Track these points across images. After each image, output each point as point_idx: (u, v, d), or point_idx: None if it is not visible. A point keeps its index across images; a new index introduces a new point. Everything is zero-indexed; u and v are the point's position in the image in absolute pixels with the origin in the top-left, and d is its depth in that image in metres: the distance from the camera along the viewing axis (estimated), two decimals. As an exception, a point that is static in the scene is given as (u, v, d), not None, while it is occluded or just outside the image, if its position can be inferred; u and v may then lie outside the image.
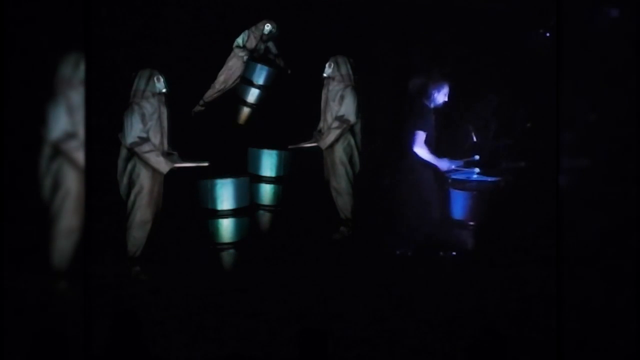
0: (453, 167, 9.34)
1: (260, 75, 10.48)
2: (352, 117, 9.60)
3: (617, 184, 6.69)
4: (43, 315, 6.67)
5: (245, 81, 10.54)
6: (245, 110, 10.66)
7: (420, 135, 9.19)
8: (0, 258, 6.55)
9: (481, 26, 9.62)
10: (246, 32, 10.60)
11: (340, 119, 9.61)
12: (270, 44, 10.65)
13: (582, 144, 6.85)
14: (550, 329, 6.73)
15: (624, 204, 6.65)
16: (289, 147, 9.73)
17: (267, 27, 10.50)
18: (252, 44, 10.59)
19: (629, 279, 6.58)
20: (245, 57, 10.50)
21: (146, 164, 8.64)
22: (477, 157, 9.34)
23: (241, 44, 10.57)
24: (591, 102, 6.85)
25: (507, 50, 9.57)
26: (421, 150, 9.21)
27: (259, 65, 10.46)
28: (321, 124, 9.74)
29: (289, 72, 10.63)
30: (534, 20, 9.52)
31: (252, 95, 10.56)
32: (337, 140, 9.65)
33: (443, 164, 9.29)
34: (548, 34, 9.46)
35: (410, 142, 9.23)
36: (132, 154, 8.64)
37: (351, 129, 9.65)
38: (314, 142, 9.74)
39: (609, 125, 6.78)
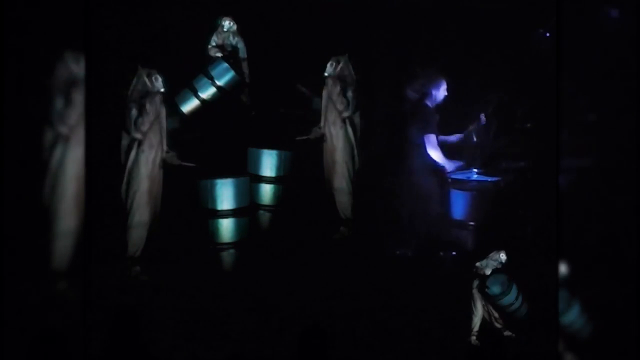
0: (459, 166, 9.36)
1: (223, 77, 10.18)
2: (354, 117, 9.61)
3: (617, 184, 6.69)
4: (43, 315, 6.66)
5: (207, 75, 10.00)
6: (195, 103, 10.33)
7: (432, 138, 9.19)
8: (0, 258, 6.54)
9: (481, 26, 9.62)
10: (214, 34, 10.46)
11: (342, 118, 9.62)
12: (240, 46, 10.48)
13: (582, 144, 6.85)
14: (550, 329, 6.73)
15: (624, 204, 6.65)
16: (297, 138, 9.68)
17: (227, 24, 10.39)
18: (220, 44, 10.49)
19: (629, 279, 6.58)
20: (219, 54, 10.24)
21: (145, 163, 8.65)
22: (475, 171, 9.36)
23: (214, 44, 10.38)
24: (591, 102, 6.85)
25: (507, 50, 9.57)
26: (435, 152, 9.21)
27: (225, 65, 10.03)
28: (322, 123, 9.74)
29: (247, 82, 10.38)
30: (534, 20, 9.51)
31: (208, 92, 10.23)
32: (337, 139, 9.64)
33: (450, 165, 9.31)
34: (548, 34, 9.46)
35: (421, 145, 9.22)
36: (130, 151, 8.65)
37: (352, 127, 9.64)
38: (314, 136, 9.71)
39: (609, 125, 6.77)
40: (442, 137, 9.38)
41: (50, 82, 7.01)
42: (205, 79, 9.90)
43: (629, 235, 6.61)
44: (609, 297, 6.63)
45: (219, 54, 10.04)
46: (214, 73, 9.90)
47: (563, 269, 6.63)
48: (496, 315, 7.65)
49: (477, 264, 7.71)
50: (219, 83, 9.90)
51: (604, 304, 6.66)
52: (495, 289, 7.53)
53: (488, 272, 7.59)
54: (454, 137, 9.48)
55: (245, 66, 10.36)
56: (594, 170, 6.81)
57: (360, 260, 9.14)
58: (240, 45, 10.35)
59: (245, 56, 10.37)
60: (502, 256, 7.69)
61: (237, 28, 10.28)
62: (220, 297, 8.42)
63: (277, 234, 9.60)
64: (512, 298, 7.52)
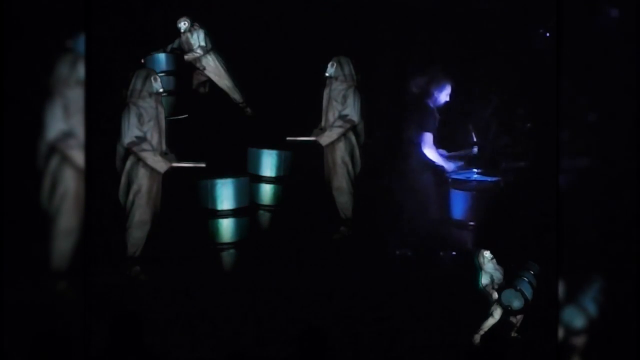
0: (458, 165, 9.37)
1: (159, 62, 10.43)
2: (355, 117, 9.60)
3: (617, 184, 6.69)
4: (43, 316, 6.66)
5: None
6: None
7: (428, 137, 9.22)
8: (0, 258, 6.55)
9: (481, 26, 9.62)
10: (176, 40, 10.70)
11: (344, 118, 9.61)
12: (201, 37, 10.58)
13: (582, 144, 6.85)
14: (550, 329, 6.74)
15: (624, 204, 6.65)
16: (287, 139, 9.71)
17: (182, 25, 10.55)
18: (184, 46, 10.63)
19: (629, 279, 6.58)
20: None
21: (145, 163, 8.65)
22: (475, 149, 9.36)
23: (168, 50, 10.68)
24: (591, 102, 6.85)
25: (507, 50, 9.58)
26: (430, 151, 9.24)
27: (153, 56, 10.45)
28: (322, 123, 9.75)
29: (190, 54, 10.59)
30: (534, 20, 9.52)
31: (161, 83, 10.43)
32: (338, 139, 9.65)
33: (449, 165, 9.33)
34: (548, 34, 9.47)
35: (418, 143, 9.26)
36: (129, 153, 8.65)
37: (353, 128, 9.65)
38: (314, 137, 9.73)
39: (609, 125, 6.78)
40: (445, 152, 9.43)
41: (51, 82, 7.01)
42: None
43: (629, 235, 6.61)
44: (609, 296, 6.63)
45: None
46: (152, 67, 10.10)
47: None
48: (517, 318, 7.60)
49: (483, 282, 7.55)
50: (163, 69, 10.10)
51: (604, 303, 6.65)
52: (517, 304, 7.46)
53: (495, 296, 7.48)
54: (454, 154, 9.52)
55: (212, 55, 10.49)
56: (594, 170, 6.81)
57: (360, 260, 9.15)
58: (201, 37, 10.47)
59: (207, 45, 10.50)
60: (487, 255, 7.59)
61: (193, 24, 10.45)
62: (220, 297, 8.42)
63: (277, 234, 9.60)
64: (529, 299, 7.47)
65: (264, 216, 9.74)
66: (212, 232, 9.04)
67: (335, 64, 9.66)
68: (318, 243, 9.44)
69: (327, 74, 9.69)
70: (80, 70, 6.87)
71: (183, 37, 10.54)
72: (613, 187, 6.70)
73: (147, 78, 8.69)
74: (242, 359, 5.83)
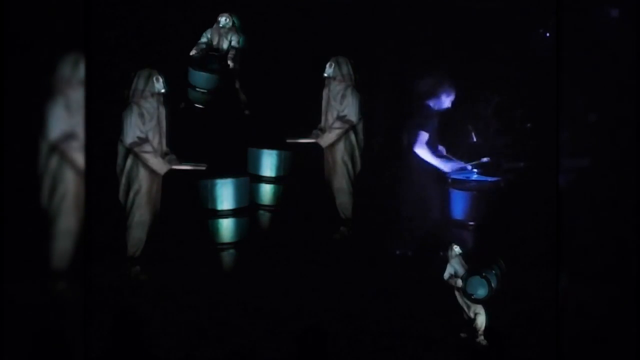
0: (456, 167, 9.35)
1: (200, 81, 10.08)
2: (354, 118, 9.60)
3: (617, 184, 6.70)
4: (43, 316, 6.67)
5: (190, 86, 10.02)
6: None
7: (423, 136, 9.22)
8: (0, 259, 6.55)
9: (481, 26, 9.62)
10: (209, 30, 10.33)
11: (342, 119, 9.61)
12: (235, 40, 10.44)
13: (582, 144, 6.86)
14: (550, 329, 6.74)
15: (624, 204, 6.65)
16: (287, 140, 9.70)
17: (223, 20, 10.32)
18: (215, 40, 10.41)
19: (629, 279, 6.59)
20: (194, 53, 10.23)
21: (145, 164, 8.66)
22: (485, 159, 9.35)
23: (203, 40, 10.30)
24: (591, 102, 6.86)
25: (507, 50, 9.57)
26: (422, 150, 9.23)
27: (197, 73, 9.98)
28: (322, 124, 9.74)
29: (237, 78, 10.38)
30: (534, 20, 9.52)
31: (194, 97, 10.08)
32: (338, 139, 9.65)
33: (446, 165, 9.31)
34: (548, 34, 9.47)
35: (412, 142, 9.25)
36: (130, 153, 8.65)
37: (353, 128, 9.65)
38: (314, 139, 9.72)
39: (609, 125, 6.78)
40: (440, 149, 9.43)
41: (51, 83, 7.02)
42: (189, 89, 9.96)
43: (629, 235, 6.61)
44: (609, 296, 6.63)
45: (195, 53, 10.03)
46: (193, 82, 9.95)
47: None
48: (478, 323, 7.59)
49: (446, 275, 7.59)
50: (201, 87, 9.96)
51: (604, 303, 6.66)
52: (481, 292, 7.45)
53: (460, 283, 7.50)
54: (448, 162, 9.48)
55: (237, 57, 10.32)
56: (594, 170, 6.81)
57: (360, 260, 9.15)
58: (235, 40, 10.31)
59: (239, 47, 10.33)
60: (456, 249, 7.63)
61: (235, 24, 10.25)
62: (220, 297, 8.42)
63: (277, 234, 9.60)
64: (494, 289, 7.46)
65: (264, 216, 9.73)
66: (212, 232, 9.04)
67: (333, 64, 9.66)
68: (318, 243, 9.44)
69: (325, 75, 9.70)
70: (81, 70, 6.87)
71: (216, 32, 10.27)
72: (613, 187, 6.71)
73: (149, 78, 8.70)
74: (242, 359, 5.84)
